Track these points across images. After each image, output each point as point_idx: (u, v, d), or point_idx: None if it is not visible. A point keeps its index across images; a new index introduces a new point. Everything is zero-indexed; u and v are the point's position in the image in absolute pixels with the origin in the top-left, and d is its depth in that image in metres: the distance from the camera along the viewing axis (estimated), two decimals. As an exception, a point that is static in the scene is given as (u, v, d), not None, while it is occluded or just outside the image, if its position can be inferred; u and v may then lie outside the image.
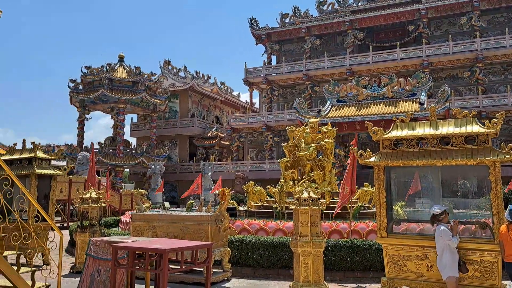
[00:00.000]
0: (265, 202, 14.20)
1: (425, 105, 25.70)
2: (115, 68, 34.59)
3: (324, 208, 11.54)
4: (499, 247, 5.28)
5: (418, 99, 26.51)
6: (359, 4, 39.28)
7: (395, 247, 5.88)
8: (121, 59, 35.80)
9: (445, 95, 25.64)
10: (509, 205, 6.75)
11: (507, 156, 5.20)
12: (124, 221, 12.95)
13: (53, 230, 6.39)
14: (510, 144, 5.30)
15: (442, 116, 24.13)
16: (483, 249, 5.31)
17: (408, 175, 6.71)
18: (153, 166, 32.63)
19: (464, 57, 32.43)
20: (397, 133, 6.27)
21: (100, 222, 10.37)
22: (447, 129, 5.81)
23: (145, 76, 34.88)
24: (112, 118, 37.21)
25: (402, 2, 36.74)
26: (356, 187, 14.40)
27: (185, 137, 41.05)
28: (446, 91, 25.86)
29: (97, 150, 32.29)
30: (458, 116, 5.94)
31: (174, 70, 44.37)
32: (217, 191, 11.22)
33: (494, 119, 5.49)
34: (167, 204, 19.83)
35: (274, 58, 42.44)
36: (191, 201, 14.61)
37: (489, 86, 33.10)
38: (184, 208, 15.35)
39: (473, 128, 5.61)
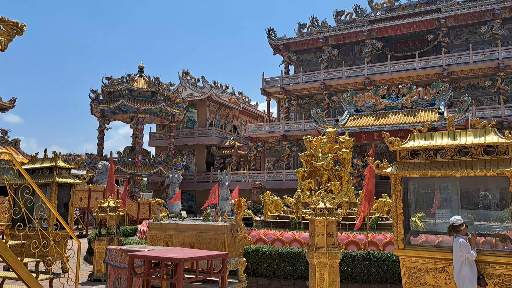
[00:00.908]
0: (281, 212, 14.13)
1: (444, 115, 25.31)
2: (135, 78, 35.19)
3: (341, 218, 11.45)
4: None
5: (437, 109, 26.14)
6: (377, 13, 39.18)
7: (413, 259, 5.77)
8: (140, 69, 36.44)
9: (465, 104, 25.22)
10: None
11: (528, 167, 5.09)
12: (141, 230, 13.06)
13: (71, 238, 6.50)
14: (531, 155, 5.18)
15: (462, 126, 23.71)
16: (503, 262, 5.17)
17: (426, 185, 6.60)
18: (171, 176, 32.88)
19: (485, 66, 31.91)
20: (415, 143, 6.19)
21: (118, 230, 10.48)
22: (466, 139, 5.71)
23: (164, 86, 35.36)
24: (131, 127, 37.79)
25: (421, 11, 36.50)
26: (374, 197, 14.26)
27: (202, 147, 41.36)
28: (466, 101, 25.43)
29: (116, 159, 32.78)
30: (477, 126, 5.84)
31: (193, 80, 44.89)
32: (233, 201, 11.30)
33: (514, 130, 5.39)
34: (184, 214, 19.88)
35: (291, 68, 42.58)
36: (208, 211, 14.63)
37: (511, 96, 32.42)
38: (201, 218, 15.40)
39: (493, 138, 5.50)
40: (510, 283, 5.10)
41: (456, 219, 5.47)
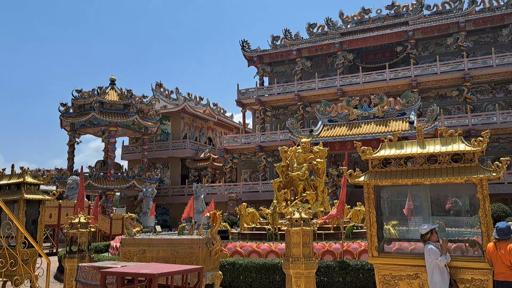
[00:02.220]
0: (258, 224, 14.09)
1: (414, 124, 25.98)
2: (107, 91, 34.65)
3: (316, 228, 11.51)
4: (490, 266, 5.27)
5: (408, 118, 26.80)
6: (348, 26, 40.10)
7: (387, 266, 5.84)
8: (112, 82, 35.94)
9: (434, 114, 25.97)
10: (497, 223, 6.78)
11: (494, 174, 5.24)
12: (114, 246, 12.75)
13: (41, 256, 6.27)
14: (497, 162, 5.36)
15: (432, 135, 24.37)
16: (473, 267, 5.30)
17: (398, 194, 6.71)
18: (144, 189, 32.37)
19: (452, 76, 33.03)
20: (386, 152, 6.30)
21: (89, 247, 10.17)
22: (434, 147, 5.87)
23: (137, 98, 34.97)
24: (103, 141, 37.08)
25: (389, 24, 37.59)
26: (349, 206, 14.43)
27: (177, 159, 40.91)
28: (435, 110, 26.21)
29: (88, 174, 32.03)
30: (444, 134, 6.01)
31: (166, 92, 44.56)
32: (208, 214, 11.17)
33: (480, 138, 5.56)
34: (158, 228, 19.52)
35: (266, 79, 42.92)
36: (183, 225, 14.42)
37: (478, 105, 33.63)
38: (176, 232, 15.16)
39: (460, 146, 5.67)
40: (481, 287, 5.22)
41: (422, 228, 5.59)
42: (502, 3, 34.66)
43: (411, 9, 38.10)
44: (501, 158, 5.42)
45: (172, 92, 44.96)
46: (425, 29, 35.51)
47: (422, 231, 5.54)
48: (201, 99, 47.85)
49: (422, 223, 5.72)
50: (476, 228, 5.56)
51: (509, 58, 31.62)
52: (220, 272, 8.65)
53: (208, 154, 39.96)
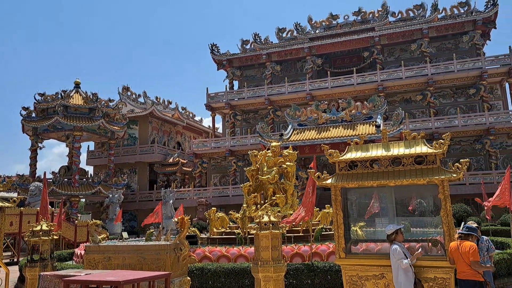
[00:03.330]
0: (227, 228, 14.03)
1: (381, 128, 26.62)
2: (71, 94, 33.75)
3: (285, 231, 11.55)
4: (451, 264, 5.44)
5: (374, 122, 27.43)
6: (317, 31, 40.73)
7: (354, 267, 5.92)
8: (77, 85, 35.02)
9: (399, 117, 26.71)
10: (463, 223, 7.05)
11: (454, 175, 5.42)
12: (78, 253, 12.37)
13: (-2, 266, 5.98)
14: (457, 164, 5.54)
15: (397, 138, 25.01)
16: (436, 266, 5.44)
17: (365, 195, 6.83)
18: (111, 195, 31.64)
19: (416, 81, 34.09)
20: (352, 155, 6.40)
21: (52, 255, 9.83)
22: (398, 150, 6.01)
23: (103, 102, 34.19)
24: (67, 146, 36.00)
25: (357, 30, 38.45)
26: (318, 209, 14.58)
27: (145, 164, 40.19)
28: (400, 114, 26.96)
29: (51, 180, 31.07)
30: (408, 137, 6.16)
31: (133, 96, 43.79)
32: (176, 219, 11.02)
33: (441, 140, 5.74)
34: (125, 234, 19.12)
35: (236, 83, 42.93)
36: (151, 230, 14.19)
37: (440, 109, 34.84)
38: (144, 238, 14.88)
39: (422, 149, 5.83)
40: (443, 286, 5.35)
41: (388, 228, 5.71)
42: (463, 11, 36.13)
43: (377, 15, 39.12)
44: (461, 160, 5.61)
45: (139, 95, 44.23)
46: (391, 35, 36.54)
47: (388, 232, 5.65)
48: (170, 103, 47.31)
49: (388, 224, 5.83)
50: (440, 228, 5.71)
51: (469, 64, 32.96)
52: (189, 278, 8.53)
53: (177, 158, 39.46)
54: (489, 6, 34.24)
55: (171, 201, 29.57)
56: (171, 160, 39.49)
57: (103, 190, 32.64)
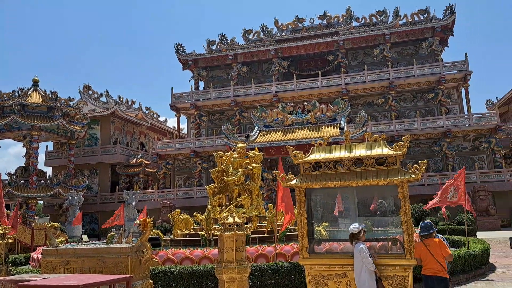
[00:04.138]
0: (192, 230, 13.86)
1: (345, 130, 27.17)
2: (29, 92, 32.49)
3: (250, 232, 11.55)
4: (416, 262, 5.63)
5: (338, 124, 27.96)
6: (283, 34, 41.11)
7: (316, 267, 5.98)
8: (35, 83, 33.72)
9: (362, 120, 27.36)
10: (421, 222, 7.32)
11: (413, 176, 5.59)
12: (35, 257, 11.89)
13: None
14: (415, 165, 5.72)
15: (360, 140, 25.62)
16: (395, 264, 5.59)
17: (329, 196, 6.92)
18: (70, 197, 30.66)
19: (378, 85, 35.06)
20: (316, 156, 6.48)
21: (7, 260, 9.37)
22: (360, 151, 6.14)
23: (62, 101, 33.10)
24: (24, 146, 34.60)
25: (322, 33, 39.09)
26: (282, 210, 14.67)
27: (106, 165, 39.14)
28: (363, 117, 27.63)
29: (7, 182, 29.87)
30: (369, 139, 6.31)
31: (95, 95, 42.61)
32: (138, 221, 10.79)
33: (401, 142, 5.91)
34: (85, 237, 18.57)
35: (201, 83, 42.63)
36: (112, 233, 13.82)
37: (401, 112, 35.99)
38: (105, 241, 14.47)
39: (383, 150, 5.98)
40: (402, 283, 5.51)
41: (354, 227, 5.80)
42: (423, 18, 37.51)
43: (341, 20, 39.94)
44: (419, 161, 5.79)
45: (101, 95, 43.08)
46: (354, 39, 37.41)
47: (354, 231, 5.72)
48: (133, 102, 46.38)
49: (352, 224, 5.92)
50: (400, 227, 5.86)
51: (428, 69, 34.27)
52: (151, 281, 8.35)
53: (140, 159, 38.67)
54: (447, 14, 35.72)
55: (133, 203, 28.96)
56: (134, 161, 38.65)
57: (62, 192, 31.57)
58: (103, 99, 42.73)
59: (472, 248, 11.18)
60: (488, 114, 32.60)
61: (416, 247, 6.22)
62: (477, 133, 32.29)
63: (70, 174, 34.44)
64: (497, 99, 45.09)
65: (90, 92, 42.15)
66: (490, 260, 12.34)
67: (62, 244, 9.22)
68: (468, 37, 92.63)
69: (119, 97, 44.00)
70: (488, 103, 46.36)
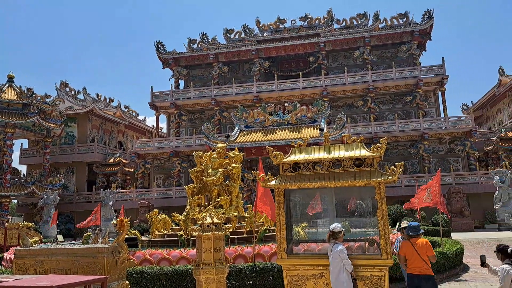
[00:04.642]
0: (170, 231, 13.73)
1: (324, 131, 27.39)
2: (3, 89, 31.72)
3: (229, 233, 11.51)
4: (391, 263, 5.72)
5: (318, 126, 28.17)
6: (265, 34, 41.18)
7: (294, 267, 6.00)
8: (10, 79, 32.88)
9: (341, 122, 27.64)
10: (407, 223, 7.50)
11: (390, 177, 5.67)
12: (8, 258, 11.57)
13: None
14: (392, 167, 5.80)
15: (339, 141, 25.88)
16: (372, 264, 5.65)
17: (308, 196, 6.95)
18: (45, 196, 29.97)
19: (358, 87, 35.50)
20: (295, 157, 6.50)
21: (-24, 261, 9.08)
22: (339, 153, 6.19)
23: (39, 98, 32.36)
24: (-2, 143, 33.58)
25: (303, 35, 39.33)
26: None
27: (83, 164, 38.39)
28: (342, 119, 27.92)
29: (-21, 180, 28.83)
30: (348, 141, 6.37)
31: (72, 92, 41.73)
32: (114, 221, 10.62)
33: (378, 144, 5.99)
34: (60, 237, 18.18)
35: (182, 82, 42.32)
36: (88, 233, 13.55)
37: (380, 114, 36.53)
38: (81, 241, 14.18)
39: (361, 152, 6.05)
40: (378, 283, 5.57)
41: (336, 226, 5.82)
42: (402, 22, 38.16)
43: (322, 22, 40.28)
44: (396, 163, 5.87)
45: (79, 92, 42.23)
46: (335, 41, 37.78)
47: (335, 229, 5.74)
48: (112, 100, 45.66)
49: (331, 224, 5.94)
50: (377, 228, 5.93)
51: (406, 73, 34.89)
52: (127, 282, 8.24)
53: (118, 158, 38.06)
54: (425, 19, 36.45)
55: (111, 203, 28.55)
56: (112, 160, 38.02)
57: (37, 191, 30.84)
58: (81, 96, 41.92)
59: (446, 249, 11.41)
60: (464, 118, 33.40)
61: (402, 246, 6.38)
62: (453, 136, 33.05)
63: (46, 173, 33.67)
64: (472, 103, 46.28)
65: (68, 89, 41.27)
66: (464, 261, 12.64)
67: (36, 244, 9.00)
68: (445, 42, 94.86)
69: (97, 95, 43.26)
70: (463, 107, 47.55)
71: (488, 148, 33.77)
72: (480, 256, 5.61)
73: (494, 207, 27.49)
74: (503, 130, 33.99)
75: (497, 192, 27.42)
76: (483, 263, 5.43)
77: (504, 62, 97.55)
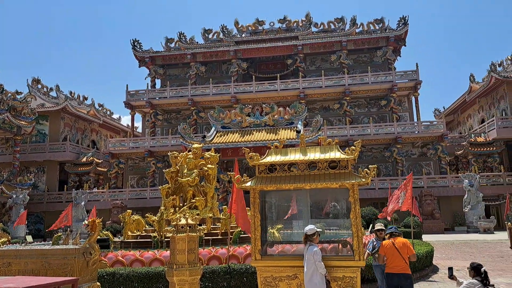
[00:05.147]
0: (143, 232, 13.53)
1: (301, 133, 27.59)
2: (-29, 84, 30.50)
3: (203, 234, 11.43)
4: (364, 264, 5.81)
5: (295, 128, 28.37)
6: (243, 35, 41.19)
7: (268, 268, 6.01)
8: (-21, 74, 31.73)
9: (318, 124, 27.92)
10: (381, 225, 7.73)
11: (363, 180, 5.76)
12: (-28, 260, 11.09)
13: None
14: (366, 169, 5.89)
15: (316, 143, 26.10)
16: (344, 265, 5.72)
17: (283, 198, 6.97)
18: (14, 196, 29.08)
19: (334, 90, 35.94)
20: (272, 158, 6.51)
21: None
22: (314, 155, 6.24)
23: (9, 94, 31.40)
24: (-35, 140, 32.40)
25: (281, 37, 39.55)
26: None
27: (55, 163, 37.38)
28: (319, 121, 28.20)
29: None
30: (323, 143, 6.43)
31: (45, 89, 40.64)
32: (86, 222, 10.38)
33: (353, 147, 6.07)
34: (29, 238, 17.66)
35: (158, 81, 41.83)
36: (59, 234, 13.23)
37: (355, 117, 37.09)
38: (51, 242, 13.82)
39: (336, 154, 6.12)
40: (350, 284, 5.64)
41: (310, 228, 5.86)
42: (378, 28, 38.86)
43: (301, 25, 40.61)
44: (369, 166, 5.96)
45: (51, 89, 41.13)
46: (313, 45, 38.15)
47: (309, 232, 5.78)
48: (85, 98, 44.70)
49: (307, 225, 5.98)
50: (350, 230, 6.00)
51: (381, 77, 35.55)
52: (98, 284, 8.07)
53: (91, 158, 37.20)
54: (400, 25, 37.24)
55: (82, 203, 27.93)
56: (84, 159, 37.16)
57: (6, 190, 29.87)
58: (53, 93, 40.84)
59: (417, 251, 11.65)
60: (436, 123, 34.26)
61: (383, 245, 6.52)
62: (425, 140, 33.86)
63: (15, 172, 32.66)
64: (444, 108, 47.55)
65: (40, 86, 40.15)
66: (434, 262, 12.96)
67: (4, 245, 8.71)
68: (419, 48, 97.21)
69: (71, 92, 42.26)
70: (436, 111, 48.81)
71: (459, 152, 34.76)
72: (448, 268, 5.78)
73: (464, 210, 28.31)
74: (472, 135, 35.05)
75: (466, 195, 28.24)
76: (451, 276, 5.62)
77: (475, 69, 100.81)
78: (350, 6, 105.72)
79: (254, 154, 6.65)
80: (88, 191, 31.30)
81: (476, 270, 5.43)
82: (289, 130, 28.40)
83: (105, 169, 36.80)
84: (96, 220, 8.16)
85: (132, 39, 40.31)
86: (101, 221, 8.15)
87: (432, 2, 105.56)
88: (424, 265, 11.49)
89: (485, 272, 5.35)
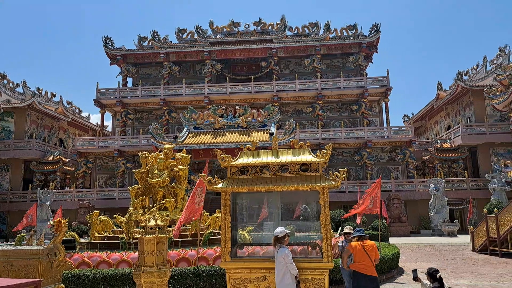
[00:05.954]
0: (111, 233, 13.23)
1: (274, 136, 27.75)
2: None
3: (173, 235, 11.28)
4: (332, 266, 5.90)
5: (268, 130, 28.50)
6: (218, 36, 41.07)
7: (238, 270, 5.99)
8: None
9: (290, 127, 28.14)
10: (350, 228, 7.88)
11: (334, 183, 5.84)
12: None
13: None
14: (336, 172, 5.97)
15: (288, 146, 26.31)
16: (313, 267, 5.78)
17: (254, 200, 6.98)
18: (-24, 194, 27.79)
19: (307, 94, 36.33)
20: (244, 160, 6.50)
21: None
22: (286, 157, 6.28)
23: (-27, 88, 30.02)
24: None
25: (256, 39, 39.68)
26: (207, 213, 14.58)
27: (19, 161, 36.08)
28: (291, 124, 28.43)
29: None
30: (295, 146, 6.48)
31: (11, 84, 39.18)
32: (51, 222, 10.08)
33: (324, 150, 6.14)
34: (-9, 239, 16.93)
35: (130, 80, 41.11)
36: (22, 234, 12.75)
37: (327, 121, 37.61)
38: (13, 243, 13.32)
39: (307, 157, 6.18)
40: (319, 286, 5.70)
41: (280, 230, 5.88)
42: (351, 34, 39.57)
43: (275, 28, 40.87)
44: (340, 169, 6.05)
45: (18, 85, 39.70)
46: (287, 48, 38.46)
47: (279, 234, 5.79)
48: (54, 95, 43.41)
49: (277, 227, 5.99)
50: (320, 232, 6.06)
51: (353, 83, 36.21)
52: (63, 285, 7.83)
53: (58, 157, 36.12)
54: (373, 32, 38.06)
55: (48, 203, 27.08)
56: (51, 158, 36.04)
57: (-35, 188, 28.54)
58: (20, 89, 39.44)
59: (384, 253, 11.91)
60: (404, 128, 35.17)
61: (351, 245, 6.63)
62: (394, 145, 34.69)
63: (-24, 169, 31.30)
64: (412, 115, 48.84)
65: (5, 82, 38.69)
66: (400, 264, 13.27)
67: (-39, 246, 8.33)
68: (390, 55, 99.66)
69: (38, 89, 40.94)
70: (405, 117, 50.07)
71: (425, 157, 35.77)
72: (412, 270, 5.95)
73: (429, 213, 29.15)
74: (439, 141, 36.16)
75: (432, 199, 29.10)
76: (415, 278, 5.80)
77: (443, 77, 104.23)
78: (324, 12, 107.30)
79: (226, 155, 6.63)
80: (54, 190, 30.35)
81: (432, 276, 5.63)
82: (262, 132, 28.50)
83: (73, 169, 35.83)
84: (61, 220, 7.92)
85: (104, 36, 39.53)
86: (67, 222, 7.93)
87: (404, 10, 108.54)
88: (390, 267, 11.74)
89: (441, 278, 5.55)
